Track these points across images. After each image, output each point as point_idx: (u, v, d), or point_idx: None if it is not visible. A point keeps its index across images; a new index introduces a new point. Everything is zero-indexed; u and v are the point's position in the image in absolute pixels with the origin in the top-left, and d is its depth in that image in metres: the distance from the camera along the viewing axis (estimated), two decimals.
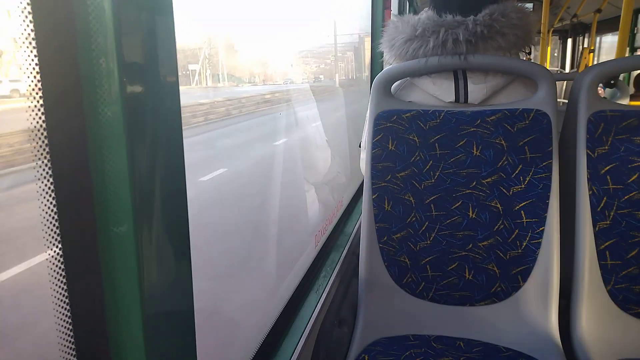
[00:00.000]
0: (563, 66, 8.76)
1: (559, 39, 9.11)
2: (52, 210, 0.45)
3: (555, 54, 9.41)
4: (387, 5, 2.28)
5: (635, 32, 6.07)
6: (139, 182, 0.46)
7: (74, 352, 0.48)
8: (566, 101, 1.32)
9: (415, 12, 6.26)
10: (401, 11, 4.09)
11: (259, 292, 1.19)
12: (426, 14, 1.18)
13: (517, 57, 1.19)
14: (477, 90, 1.18)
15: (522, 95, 1.18)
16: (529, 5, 6.35)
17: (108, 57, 0.43)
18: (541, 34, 3.27)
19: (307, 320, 1.16)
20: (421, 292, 1.20)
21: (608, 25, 6.46)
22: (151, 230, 0.49)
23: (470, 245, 1.16)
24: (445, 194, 1.17)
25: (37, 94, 0.43)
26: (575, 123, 1.15)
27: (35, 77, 0.43)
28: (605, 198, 1.11)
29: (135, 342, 0.49)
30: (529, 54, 1.33)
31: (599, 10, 5.82)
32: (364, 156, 1.31)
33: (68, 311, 0.47)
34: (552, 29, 7.68)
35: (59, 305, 0.47)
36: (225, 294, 1.05)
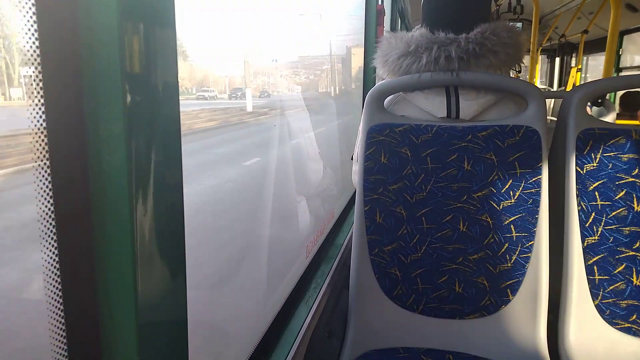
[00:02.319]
0: (551, 84, 8.91)
1: (547, 57, 9.28)
2: (49, 210, 0.45)
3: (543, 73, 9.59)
4: (379, 22, 2.32)
5: (620, 53, 6.21)
6: (137, 189, 0.47)
7: (65, 354, 0.48)
8: (554, 118, 1.35)
9: (407, 29, 6.36)
10: (393, 27, 4.14)
11: (248, 303, 1.18)
12: (419, 31, 1.21)
13: (508, 75, 1.22)
14: (468, 106, 1.20)
15: (512, 112, 1.20)
16: (519, 25, 6.49)
17: (110, 67, 0.44)
18: (530, 53, 3.34)
19: (297, 332, 1.16)
20: (411, 305, 1.21)
21: (594, 45, 6.61)
22: (147, 238, 0.49)
23: (461, 259, 1.17)
24: (436, 208, 1.18)
25: (39, 100, 0.43)
26: (564, 140, 1.18)
27: (38, 84, 0.43)
28: (593, 214, 1.13)
29: (128, 346, 0.49)
30: (519, 72, 1.36)
31: (585, 31, 5.95)
32: (356, 168, 1.32)
33: (61, 310, 0.47)
34: (540, 48, 7.84)
35: (53, 305, 0.47)
36: (213, 304, 1.04)
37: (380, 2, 2.72)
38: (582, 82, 7.54)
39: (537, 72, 7.88)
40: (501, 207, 1.15)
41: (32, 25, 0.42)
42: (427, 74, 1.17)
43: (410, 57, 1.18)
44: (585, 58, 7.69)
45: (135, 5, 0.45)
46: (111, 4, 0.43)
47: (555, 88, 8.43)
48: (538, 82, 7.83)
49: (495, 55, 1.14)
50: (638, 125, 1.16)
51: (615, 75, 6.25)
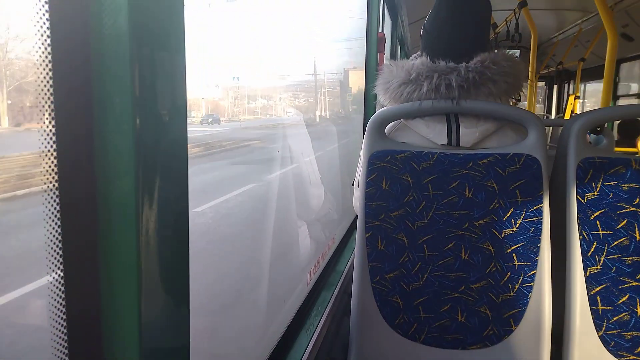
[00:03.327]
0: (549, 111, 8.99)
1: (545, 84, 9.39)
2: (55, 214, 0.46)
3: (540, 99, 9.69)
4: (380, 49, 2.35)
5: (617, 81, 6.29)
6: (145, 217, 0.47)
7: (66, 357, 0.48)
8: (553, 144, 1.36)
9: (407, 55, 6.45)
10: (393, 54, 4.21)
11: (249, 331, 1.17)
12: (420, 59, 1.23)
13: (508, 103, 1.23)
14: (469, 134, 1.21)
15: (512, 140, 1.21)
16: (517, 52, 6.59)
17: (122, 92, 0.45)
18: (529, 80, 3.38)
19: None
20: (413, 334, 1.19)
21: (592, 73, 6.70)
22: (152, 267, 0.49)
23: (463, 287, 1.16)
24: (438, 235, 1.18)
25: (50, 122, 0.44)
26: (564, 169, 1.18)
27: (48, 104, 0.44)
28: (595, 243, 1.13)
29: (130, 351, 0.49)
30: (519, 100, 1.37)
31: (583, 59, 6.05)
32: (357, 194, 1.33)
33: (64, 314, 0.47)
34: (538, 75, 7.94)
35: (56, 307, 0.47)
36: (213, 332, 1.03)
37: (380, 30, 2.77)
38: (581, 109, 7.63)
39: (534, 98, 7.96)
40: (503, 235, 1.14)
41: (45, 49, 0.43)
42: (428, 101, 1.18)
43: (411, 85, 1.20)
44: (583, 85, 7.79)
45: (146, 32, 0.46)
46: (123, 30, 0.44)
47: (553, 115, 8.51)
48: (536, 108, 7.90)
49: (495, 84, 1.16)
50: (637, 151, 1.17)
51: (612, 103, 6.32)
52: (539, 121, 1.18)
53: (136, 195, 0.46)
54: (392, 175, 1.21)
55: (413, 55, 1.30)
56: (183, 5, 0.52)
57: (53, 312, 0.47)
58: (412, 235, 1.19)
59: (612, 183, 1.14)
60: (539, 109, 9.53)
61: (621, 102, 6.43)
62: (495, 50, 1.22)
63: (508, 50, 1.27)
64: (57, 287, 0.46)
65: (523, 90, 1.25)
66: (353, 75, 2.71)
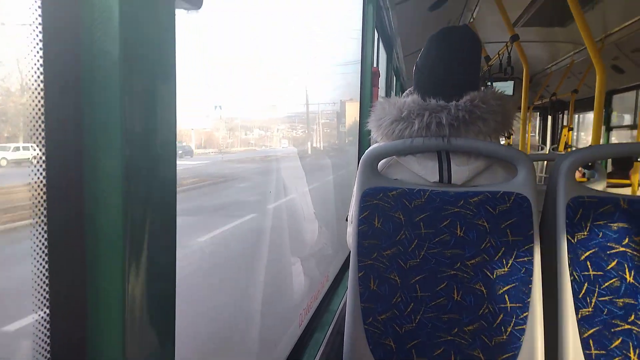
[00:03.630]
0: (544, 141, 9.06)
1: (540, 115, 9.49)
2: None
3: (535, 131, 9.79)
4: (374, 83, 2.38)
5: (610, 112, 6.37)
6: (132, 251, 0.47)
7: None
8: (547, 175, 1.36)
9: (402, 87, 6.53)
10: (388, 85, 4.27)
11: None
12: (411, 97, 1.24)
13: (498, 141, 1.23)
14: (460, 171, 1.21)
15: (502, 178, 1.21)
16: (509, 84, 6.69)
17: (111, 123, 0.45)
18: (521, 112, 3.42)
19: None
20: None
21: (585, 104, 6.78)
22: (137, 302, 0.49)
23: (456, 330, 1.14)
24: (430, 275, 1.16)
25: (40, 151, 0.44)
26: (554, 207, 1.18)
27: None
28: (586, 284, 1.12)
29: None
30: (509, 137, 1.38)
31: (575, 91, 6.13)
32: (350, 230, 1.32)
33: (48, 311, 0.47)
34: (532, 106, 8.04)
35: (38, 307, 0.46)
36: None
37: (375, 62, 2.81)
38: (576, 140, 7.68)
39: (529, 131, 8.04)
40: (495, 275, 1.13)
41: (38, 77, 0.44)
42: (420, 139, 1.19)
43: (403, 122, 1.20)
44: (577, 116, 7.88)
45: (137, 66, 0.46)
46: (114, 61, 0.44)
47: (548, 145, 8.58)
48: (531, 139, 7.96)
49: (484, 122, 1.17)
50: (631, 183, 1.17)
51: (605, 134, 6.38)
52: (527, 160, 1.18)
53: (124, 230, 0.46)
54: (385, 213, 1.20)
55: (407, 91, 1.31)
56: (174, 34, 0.52)
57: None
58: (405, 274, 1.18)
59: (601, 222, 1.13)
60: (535, 139, 9.62)
61: (615, 132, 6.50)
62: (484, 89, 1.23)
63: (497, 89, 1.28)
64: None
65: (512, 129, 1.26)
66: (349, 107, 2.73)
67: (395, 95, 5.96)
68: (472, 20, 4.30)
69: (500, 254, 1.13)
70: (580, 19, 2.19)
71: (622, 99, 6.13)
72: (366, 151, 1.27)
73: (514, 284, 1.12)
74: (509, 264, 1.12)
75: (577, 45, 4.95)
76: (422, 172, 1.24)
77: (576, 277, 1.12)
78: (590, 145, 1.83)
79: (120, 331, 0.47)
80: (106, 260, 0.46)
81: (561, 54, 5.68)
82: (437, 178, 1.22)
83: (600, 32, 4.41)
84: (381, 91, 3.45)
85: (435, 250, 1.17)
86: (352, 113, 2.71)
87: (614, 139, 6.51)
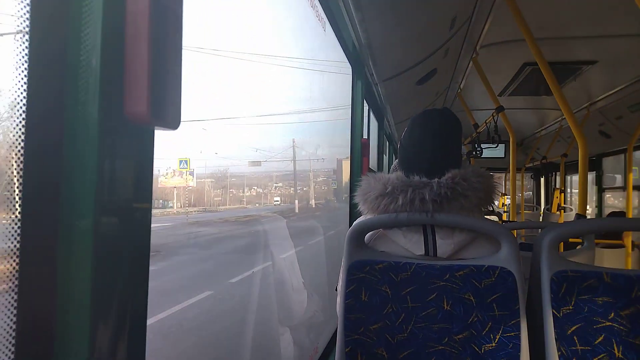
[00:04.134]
0: (538, 202, 9.14)
1: (532, 177, 9.64)
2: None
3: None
4: (364, 153, 2.44)
5: (601, 174, 6.49)
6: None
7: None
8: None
9: (395, 151, 6.68)
10: (381, 151, 4.37)
11: None
12: (395, 174, 1.29)
13: (481, 215, 1.27)
14: (444, 245, 1.23)
15: (487, 251, 1.24)
16: (501, 147, 6.84)
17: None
18: (510, 176, 3.50)
19: None
20: None
21: (576, 166, 6.90)
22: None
23: None
24: (418, 350, 1.16)
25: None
26: (539, 281, 1.19)
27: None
28: None
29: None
30: (492, 210, 1.42)
31: (565, 155, 6.28)
32: (339, 301, 1.32)
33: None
34: (524, 168, 8.18)
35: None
36: None
37: (367, 131, 2.89)
38: (570, 201, 7.73)
39: (522, 192, 8.13)
40: (482, 350, 1.13)
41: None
42: (404, 213, 1.22)
43: (388, 197, 1.25)
44: (569, 177, 8.01)
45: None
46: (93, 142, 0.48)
47: (542, 206, 8.65)
48: (524, 200, 8.04)
49: (466, 199, 1.21)
50: (624, 244, 1.19)
51: (597, 195, 6.46)
52: (510, 235, 1.21)
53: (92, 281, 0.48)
54: (371, 286, 1.22)
55: (393, 165, 1.36)
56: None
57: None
58: (392, 350, 1.17)
59: (586, 297, 1.14)
60: (529, 198, 9.71)
61: (607, 194, 6.58)
62: (468, 165, 1.28)
63: (479, 166, 1.33)
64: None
65: (494, 203, 1.30)
66: (346, 165, 2.78)
67: (389, 159, 6.08)
68: (459, 90, 4.48)
69: (487, 329, 1.13)
70: (559, 94, 2.30)
71: (617, 159, 6.26)
72: (353, 224, 1.30)
73: None
74: (497, 339, 1.13)
75: None
76: (407, 245, 1.26)
77: (564, 352, 1.12)
78: (574, 220, 1.87)
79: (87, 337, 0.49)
80: (76, 261, 0.49)
81: (549, 119, 5.87)
82: (422, 251, 1.25)
83: (585, 100, 4.59)
84: (373, 157, 3.54)
85: (422, 325, 1.17)
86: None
87: (607, 200, 6.60)
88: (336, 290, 1.44)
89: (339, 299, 1.32)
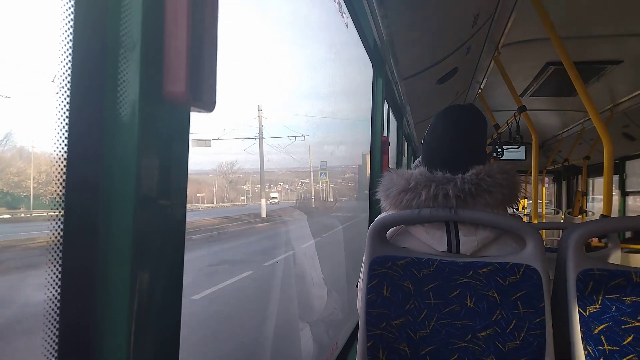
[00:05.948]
0: (560, 206, 8.98)
1: (553, 180, 9.48)
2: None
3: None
4: (384, 151, 2.44)
5: (625, 177, 6.35)
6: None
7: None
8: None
9: (414, 152, 6.63)
10: (400, 151, 4.35)
11: None
12: (418, 169, 1.28)
13: (506, 212, 1.25)
14: (468, 242, 1.22)
15: (512, 249, 1.22)
16: (522, 149, 6.75)
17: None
18: (532, 178, 3.44)
19: None
20: None
21: (598, 169, 6.78)
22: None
23: None
24: (440, 346, 1.15)
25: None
26: (565, 280, 1.17)
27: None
28: None
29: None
30: (517, 209, 1.40)
31: (587, 157, 6.16)
32: (360, 297, 1.32)
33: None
34: (545, 171, 8.05)
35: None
36: None
37: (386, 131, 2.89)
38: (592, 205, 7.58)
39: (544, 195, 8.00)
40: (507, 348, 1.11)
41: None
42: (427, 209, 1.21)
43: (411, 193, 1.24)
44: (592, 180, 7.86)
45: (152, 153, 0.51)
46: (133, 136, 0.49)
47: (563, 209, 8.50)
48: (545, 203, 7.91)
49: (490, 195, 1.19)
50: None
51: (621, 199, 6.32)
52: (535, 232, 1.19)
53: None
54: (393, 282, 1.21)
55: (416, 161, 1.35)
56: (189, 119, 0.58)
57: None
58: (415, 345, 1.16)
59: (614, 296, 1.11)
60: (548, 202, 9.54)
61: (630, 197, 6.44)
62: (492, 162, 1.27)
63: (503, 164, 1.32)
64: None
65: (519, 201, 1.28)
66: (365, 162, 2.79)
67: (407, 159, 6.04)
68: (480, 90, 4.44)
69: (512, 327, 1.12)
70: (584, 94, 2.26)
71: (638, 164, 6.12)
72: (375, 219, 1.30)
73: (526, 358, 1.10)
74: (521, 337, 1.11)
75: (587, 113, 5.03)
76: (430, 241, 1.25)
77: (590, 351, 1.10)
78: (599, 218, 1.83)
79: (126, 330, 0.50)
80: (116, 259, 0.50)
81: (571, 121, 5.77)
82: (445, 248, 1.24)
83: (609, 102, 4.50)
84: (392, 157, 3.52)
85: (445, 321, 1.16)
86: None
87: (631, 204, 6.45)
88: (357, 286, 1.44)
89: (360, 295, 1.31)
